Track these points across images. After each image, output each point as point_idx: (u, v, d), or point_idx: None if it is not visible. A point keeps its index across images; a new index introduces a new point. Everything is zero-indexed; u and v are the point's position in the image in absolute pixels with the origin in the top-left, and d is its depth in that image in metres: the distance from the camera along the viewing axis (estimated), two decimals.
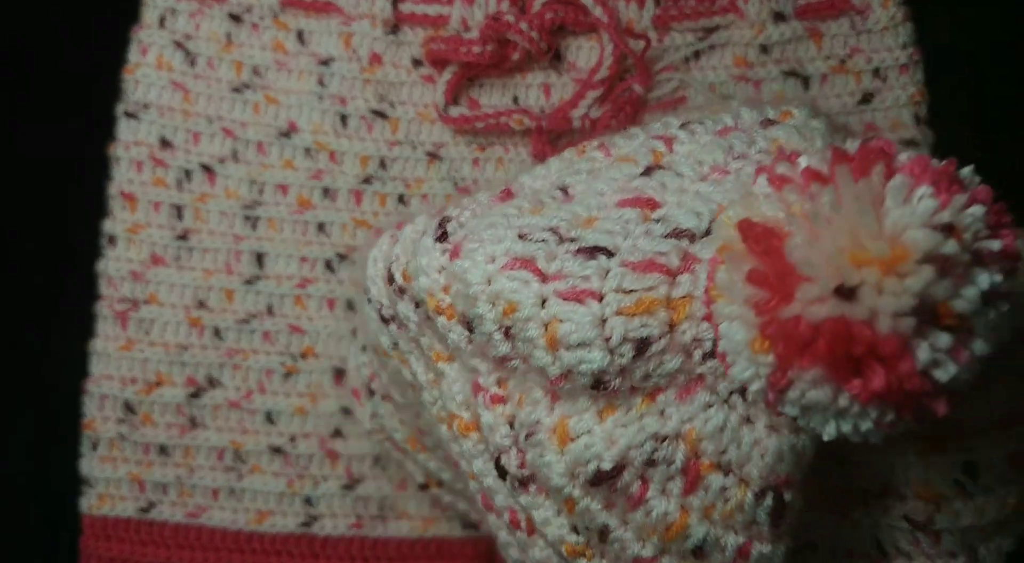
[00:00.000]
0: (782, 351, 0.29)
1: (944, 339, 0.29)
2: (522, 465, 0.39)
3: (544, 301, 0.36)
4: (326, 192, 0.57)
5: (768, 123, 0.40)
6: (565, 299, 0.36)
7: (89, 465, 0.56)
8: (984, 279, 0.29)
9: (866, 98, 0.56)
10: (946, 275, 0.28)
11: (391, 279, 0.43)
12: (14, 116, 0.59)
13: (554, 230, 0.37)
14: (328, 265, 0.56)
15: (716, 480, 0.35)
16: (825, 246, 0.29)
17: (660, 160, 0.39)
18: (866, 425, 0.30)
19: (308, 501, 0.56)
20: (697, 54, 0.56)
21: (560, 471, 0.37)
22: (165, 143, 0.57)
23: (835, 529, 0.40)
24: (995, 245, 0.29)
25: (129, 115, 0.57)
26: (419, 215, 0.45)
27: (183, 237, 0.57)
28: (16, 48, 0.59)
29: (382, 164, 0.57)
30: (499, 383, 0.40)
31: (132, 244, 0.57)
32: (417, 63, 0.57)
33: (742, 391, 0.34)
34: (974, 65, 0.57)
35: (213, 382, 0.56)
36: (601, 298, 0.35)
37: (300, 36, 0.57)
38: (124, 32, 0.57)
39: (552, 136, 0.56)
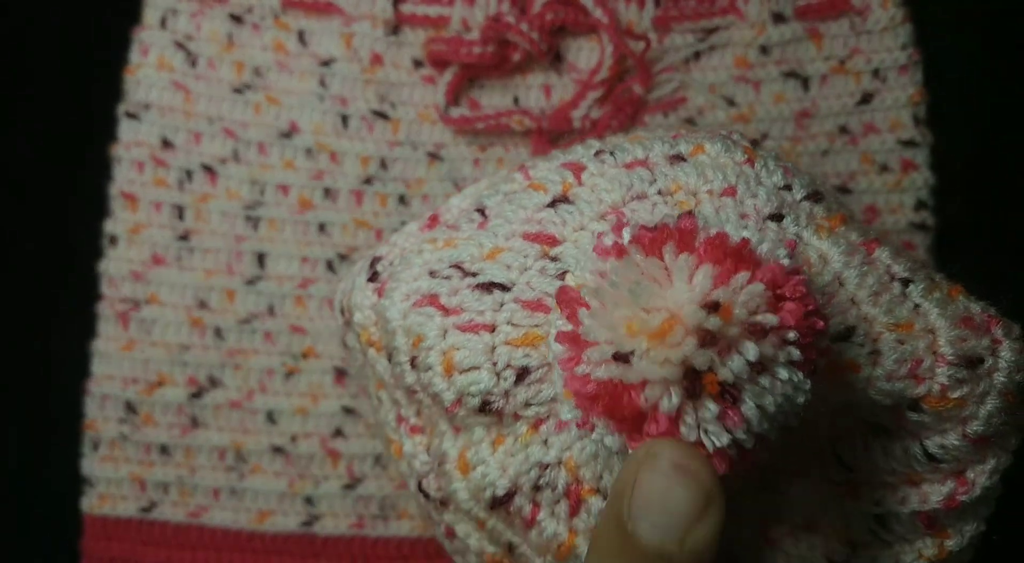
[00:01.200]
0: (577, 403, 0.33)
1: (710, 408, 0.32)
2: (439, 489, 0.43)
3: (445, 332, 0.40)
4: (327, 192, 0.57)
5: (676, 159, 0.43)
6: (462, 331, 0.40)
7: (90, 465, 0.56)
8: (751, 350, 0.32)
9: (866, 99, 0.56)
10: (709, 347, 0.31)
11: (341, 312, 0.47)
12: (14, 116, 0.59)
13: (459, 265, 0.41)
14: (329, 265, 0.57)
15: (596, 503, 0.39)
16: (607, 316, 0.33)
17: (568, 191, 0.42)
18: None
19: (309, 501, 0.56)
20: (697, 55, 0.56)
21: (465, 497, 0.41)
22: (166, 143, 0.57)
23: (762, 556, 0.43)
24: (771, 319, 0.32)
25: (130, 115, 0.57)
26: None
27: (184, 237, 0.57)
28: (16, 48, 0.59)
29: (383, 164, 0.57)
30: (417, 414, 0.44)
31: (133, 244, 0.57)
32: (418, 64, 0.57)
33: None
34: (974, 65, 0.58)
35: (214, 382, 0.57)
36: (493, 329, 0.39)
37: (301, 37, 0.57)
38: (124, 32, 0.57)
39: (552, 137, 0.56)
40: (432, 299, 0.41)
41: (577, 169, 0.43)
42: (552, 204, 0.42)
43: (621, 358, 0.32)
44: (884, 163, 0.56)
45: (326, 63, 0.57)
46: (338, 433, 0.56)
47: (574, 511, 0.40)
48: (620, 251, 0.34)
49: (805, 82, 0.56)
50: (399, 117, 0.57)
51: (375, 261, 0.45)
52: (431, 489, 0.43)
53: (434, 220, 0.47)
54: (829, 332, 0.35)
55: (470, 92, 0.57)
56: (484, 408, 0.39)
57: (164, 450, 0.56)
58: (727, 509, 0.39)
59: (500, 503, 0.40)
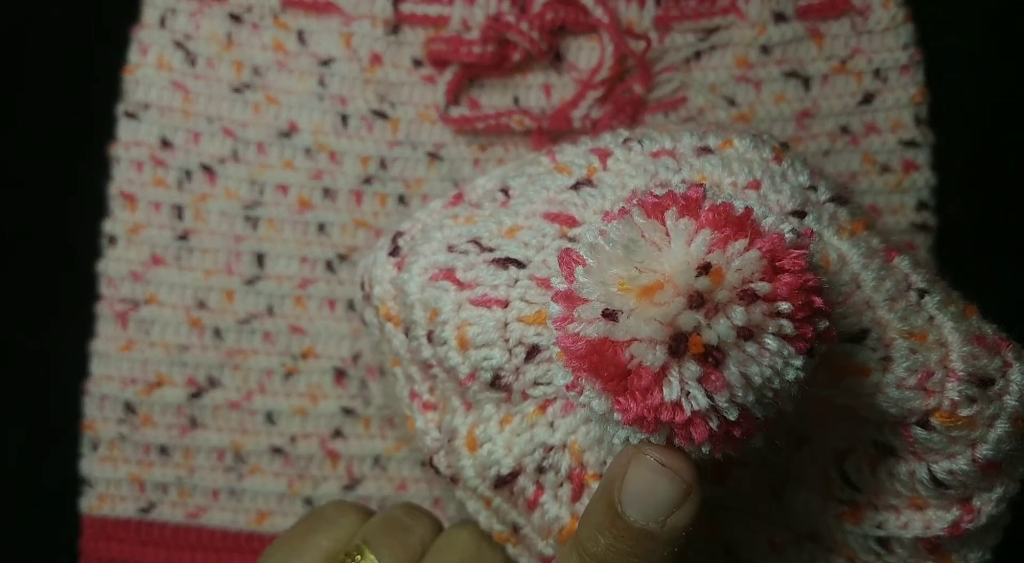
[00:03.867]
0: (567, 362, 0.33)
1: (692, 368, 0.31)
2: (449, 466, 0.43)
3: (460, 306, 0.40)
4: (326, 192, 0.57)
5: (703, 151, 0.42)
6: (475, 305, 0.40)
7: (89, 465, 0.56)
8: (738, 314, 0.31)
9: (867, 99, 0.56)
10: (696, 308, 0.31)
11: (362, 286, 0.47)
12: (14, 116, 0.59)
13: (477, 241, 0.41)
14: (329, 265, 0.56)
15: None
16: (601, 273, 0.32)
17: (592, 175, 0.42)
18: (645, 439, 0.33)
19: (308, 502, 0.56)
20: (698, 54, 0.56)
21: (471, 474, 0.41)
22: (165, 143, 0.57)
23: (765, 560, 0.43)
24: (763, 287, 0.31)
25: (129, 115, 0.57)
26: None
27: (183, 237, 0.57)
28: (16, 48, 0.59)
29: (382, 164, 0.57)
30: (430, 390, 0.44)
31: (132, 244, 0.57)
32: (417, 63, 0.57)
33: None
34: (975, 65, 0.57)
35: (213, 382, 0.56)
36: (506, 305, 0.39)
37: (300, 36, 0.57)
38: (123, 32, 0.57)
39: (552, 136, 0.56)
40: (448, 273, 0.41)
41: (603, 155, 0.43)
42: (575, 187, 0.42)
43: (610, 315, 0.32)
44: (885, 163, 0.56)
45: (325, 63, 0.56)
46: (337, 434, 0.56)
47: (576, 496, 0.39)
48: (623, 214, 0.34)
49: (806, 82, 0.56)
50: (399, 117, 0.57)
51: (397, 235, 0.46)
52: (441, 466, 0.43)
53: (458, 198, 0.47)
54: (833, 314, 0.34)
55: (470, 92, 0.57)
56: (495, 383, 0.39)
57: (163, 450, 0.56)
58: (737, 509, 0.40)
59: (504, 482, 0.40)
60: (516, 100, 0.57)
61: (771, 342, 0.31)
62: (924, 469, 0.39)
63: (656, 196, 0.34)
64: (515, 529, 0.42)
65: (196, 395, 0.56)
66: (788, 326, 0.32)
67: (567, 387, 0.34)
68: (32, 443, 0.58)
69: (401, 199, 0.57)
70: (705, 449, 0.32)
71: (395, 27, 0.56)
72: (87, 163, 0.57)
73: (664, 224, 0.32)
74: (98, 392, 0.56)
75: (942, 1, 0.57)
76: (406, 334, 0.43)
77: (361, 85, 0.57)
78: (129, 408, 0.56)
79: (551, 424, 0.39)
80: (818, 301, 0.32)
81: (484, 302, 0.40)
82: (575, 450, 0.39)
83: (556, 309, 0.33)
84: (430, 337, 0.41)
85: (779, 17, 0.56)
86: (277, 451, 0.56)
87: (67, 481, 0.57)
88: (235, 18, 0.57)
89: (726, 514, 0.43)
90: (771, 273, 0.32)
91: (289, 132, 0.57)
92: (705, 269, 0.31)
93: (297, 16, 0.57)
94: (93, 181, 0.57)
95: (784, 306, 0.32)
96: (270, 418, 0.56)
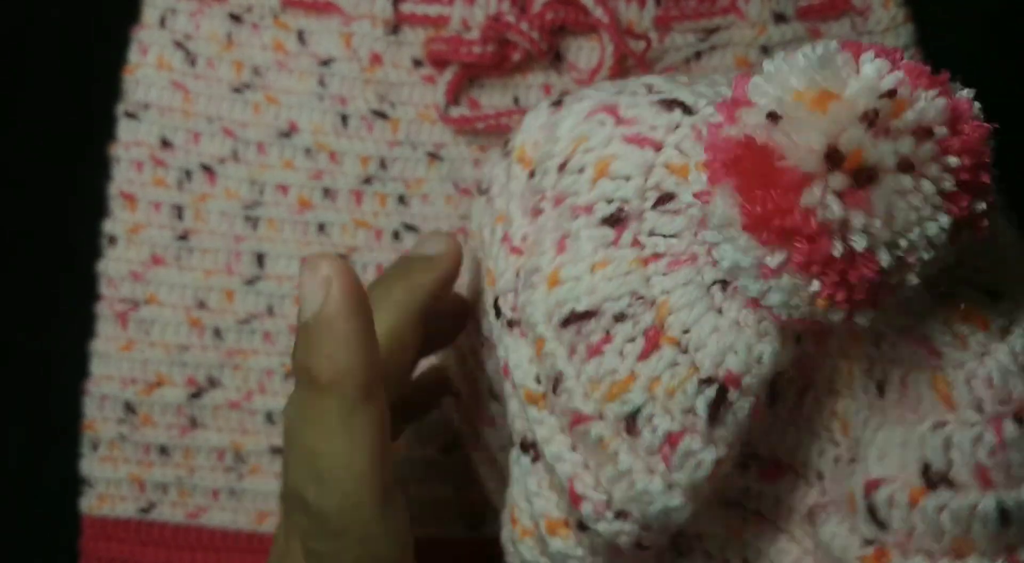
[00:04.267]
0: (708, 159, 0.32)
1: (839, 178, 0.30)
2: (514, 308, 0.41)
3: (610, 141, 0.38)
4: (326, 192, 0.57)
5: None
6: (627, 141, 0.38)
7: (89, 466, 0.56)
8: (907, 143, 0.30)
9: None
10: (867, 125, 0.30)
11: (506, 144, 0.45)
12: (14, 116, 0.59)
13: (649, 86, 0.40)
14: None
15: (670, 354, 0.36)
16: (779, 79, 0.31)
17: None
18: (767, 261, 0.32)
19: None
20: (698, 55, 0.56)
21: (540, 310, 0.39)
22: (165, 143, 0.57)
23: None
24: (941, 130, 0.30)
25: (129, 115, 0.57)
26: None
27: (183, 237, 0.57)
28: (15, 48, 0.59)
29: (382, 164, 0.57)
30: (523, 238, 0.42)
31: (132, 244, 0.57)
32: (418, 63, 0.57)
33: (724, 284, 0.36)
34: (975, 65, 0.57)
35: (213, 382, 0.56)
36: (659, 148, 0.37)
37: (300, 36, 0.57)
38: (124, 32, 0.57)
39: None
40: (610, 108, 0.39)
41: None
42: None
43: (772, 117, 0.31)
44: None
45: (325, 63, 0.56)
46: None
47: (644, 354, 0.37)
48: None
49: None
50: (399, 117, 0.57)
51: (564, 93, 0.44)
52: (506, 307, 0.41)
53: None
54: (995, 203, 0.33)
55: (470, 92, 0.57)
56: (612, 217, 0.38)
57: (163, 450, 0.56)
58: (770, 521, 0.38)
59: (575, 319, 0.38)
60: (516, 100, 0.57)
61: (927, 185, 0.30)
62: (991, 501, 0.34)
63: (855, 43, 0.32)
64: (556, 383, 0.39)
65: (196, 395, 0.56)
66: (950, 180, 0.30)
67: (696, 195, 0.33)
68: (32, 443, 0.58)
69: (401, 199, 0.57)
70: (815, 285, 0.31)
71: (395, 27, 0.56)
72: (87, 163, 0.57)
73: (858, 61, 0.31)
74: (98, 392, 0.56)
75: (942, 1, 0.57)
76: (531, 174, 0.41)
77: (361, 85, 0.57)
78: (129, 408, 0.56)
79: (648, 279, 0.37)
80: (986, 178, 0.31)
81: (638, 140, 0.38)
82: (663, 309, 0.36)
83: (710, 112, 0.32)
84: (562, 166, 0.39)
85: (779, 17, 0.56)
86: (277, 451, 0.56)
87: (67, 481, 0.57)
88: (235, 18, 0.57)
89: (753, 520, 0.41)
90: (952, 128, 0.31)
91: (289, 132, 0.57)
92: (889, 95, 0.30)
93: (297, 16, 0.57)
94: (93, 181, 0.57)
95: (953, 160, 0.30)
96: (270, 418, 0.56)
